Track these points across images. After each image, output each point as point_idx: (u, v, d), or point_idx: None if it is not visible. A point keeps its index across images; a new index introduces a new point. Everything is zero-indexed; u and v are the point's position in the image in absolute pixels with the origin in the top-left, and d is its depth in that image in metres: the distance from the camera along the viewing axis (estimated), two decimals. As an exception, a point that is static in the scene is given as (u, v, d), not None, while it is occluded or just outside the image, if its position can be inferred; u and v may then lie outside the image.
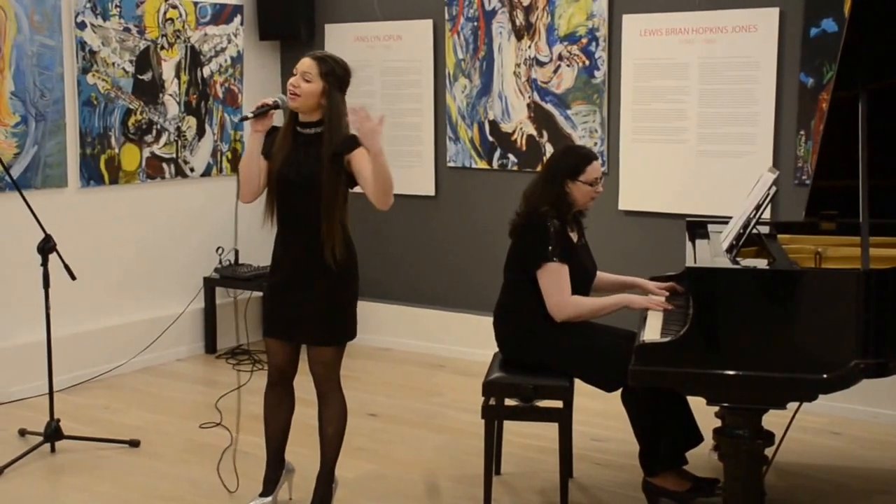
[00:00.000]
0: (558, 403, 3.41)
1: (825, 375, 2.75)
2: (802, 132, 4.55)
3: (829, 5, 4.39)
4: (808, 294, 2.81)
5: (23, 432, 4.20)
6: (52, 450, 4.03)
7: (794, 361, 2.77)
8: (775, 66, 4.55)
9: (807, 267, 3.18)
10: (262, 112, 3.19)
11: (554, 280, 3.34)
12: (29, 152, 4.77)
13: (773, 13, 4.53)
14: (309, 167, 3.18)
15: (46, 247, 3.97)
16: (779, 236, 3.59)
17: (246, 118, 3.20)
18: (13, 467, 3.85)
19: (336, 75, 3.22)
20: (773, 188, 3.23)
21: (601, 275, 3.66)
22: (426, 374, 5.23)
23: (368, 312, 5.64)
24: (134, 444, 4.11)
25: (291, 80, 3.20)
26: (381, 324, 5.64)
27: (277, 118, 3.27)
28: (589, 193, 3.47)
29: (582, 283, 3.48)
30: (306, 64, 3.20)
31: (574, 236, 3.51)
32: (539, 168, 4.83)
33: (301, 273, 3.24)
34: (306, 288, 3.24)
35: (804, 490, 3.72)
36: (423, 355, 5.53)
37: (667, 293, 3.44)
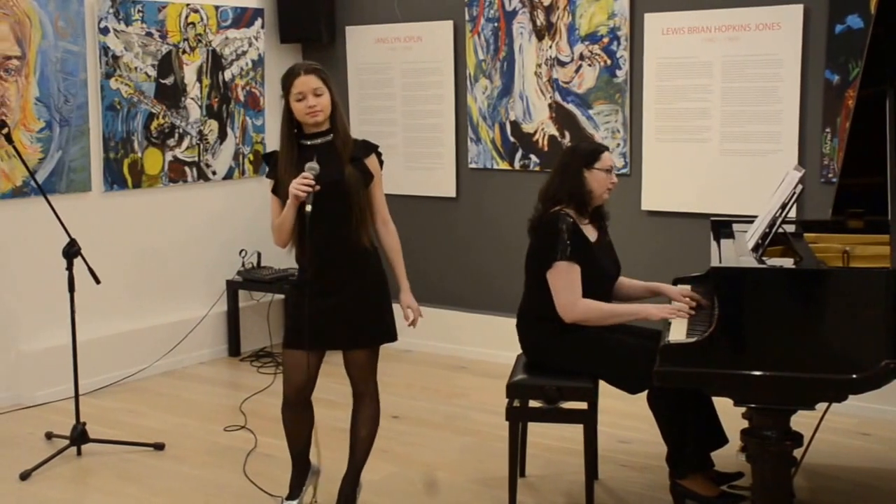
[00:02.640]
0: (583, 405, 3.38)
1: (854, 376, 2.71)
2: (828, 130, 4.50)
3: (854, 1, 4.34)
4: (836, 293, 2.78)
5: (49, 436, 4.23)
6: (79, 453, 4.05)
7: (822, 362, 2.74)
8: (800, 63, 4.50)
9: (834, 266, 3.14)
10: (312, 189, 3.09)
11: (563, 280, 3.31)
12: (53, 157, 4.80)
13: (798, 10, 4.49)
14: (330, 173, 3.17)
15: (71, 251, 4.00)
16: (805, 235, 3.55)
17: (306, 204, 3.06)
18: (40, 470, 3.87)
19: (330, 77, 3.23)
20: (799, 186, 3.19)
21: (623, 280, 3.61)
22: (449, 375, 5.22)
23: (391, 314, 5.64)
24: (159, 447, 4.13)
25: (306, 102, 3.13)
26: (402, 325, 5.61)
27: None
28: (605, 182, 3.45)
29: (600, 285, 3.44)
30: (312, 81, 3.15)
31: (594, 235, 3.49)
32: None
33: (334, 278, 3.24)
34: (341, 292, 3.23)
35: (833, 492, 3.68)
36: (445, 357, 5.52)
37: (690, 300, 3.36)
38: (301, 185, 3.07)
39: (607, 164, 3.46)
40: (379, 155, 3.32)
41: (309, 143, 3.22)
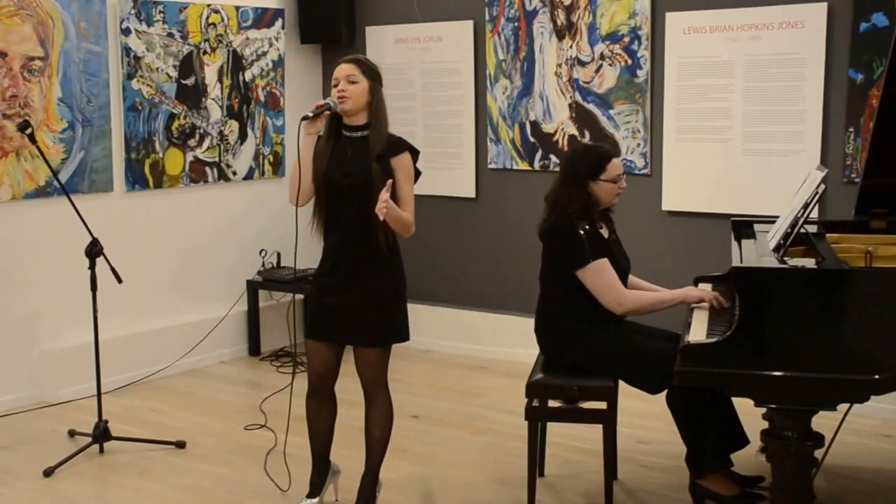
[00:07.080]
0: (602, 405, 3.38)
1: (877, 376, 2.69)
2: (851, 129, 4.46)
3: (878, -1, 4.31)
4: (859, 294, 2.76)
5: (72, 433, 4.27)
6: (101, 451, 4.09)
7: (844, 362, 2.72)
8: (823, 62, 4.47)
9: (857, 266, 3.12)
10: (319, 113, 3.20)
11: (601, 278, 3.32)
12: (76, 157, 4.84)
13: (822, 8, 4.45)
14: (357, 168, 3.20)
15: (94, 250, 4.03)
16: (827, 235, 3.53)
17: (306, 118, 3.19)
18: (63, 468, 3.91)
19: (375, 72, 3.27)
20: (822, 186, 3.17)
21: (640, 283, 3.61)
22: (468, 375, 5.22)
23: (410, 314, 5.63)
24: (180, 445, 4.15)
25: (338, 87, 3.20)
26: (422, 325, 5.63)
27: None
28: (613, 191, 3.44)
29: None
30: (347, 68, 3.23)
31: (605, 232, 3.49)
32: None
33: (347, 274, 3.25)
34: (353, 289, 3.25)
35: (854, 493, 3.65)
36: (464, 357, 5.52)
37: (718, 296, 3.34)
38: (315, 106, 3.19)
39: (613, 175, 3.42)
40: (414, 153, 3.27)
41: (346, 133, 3.25)
